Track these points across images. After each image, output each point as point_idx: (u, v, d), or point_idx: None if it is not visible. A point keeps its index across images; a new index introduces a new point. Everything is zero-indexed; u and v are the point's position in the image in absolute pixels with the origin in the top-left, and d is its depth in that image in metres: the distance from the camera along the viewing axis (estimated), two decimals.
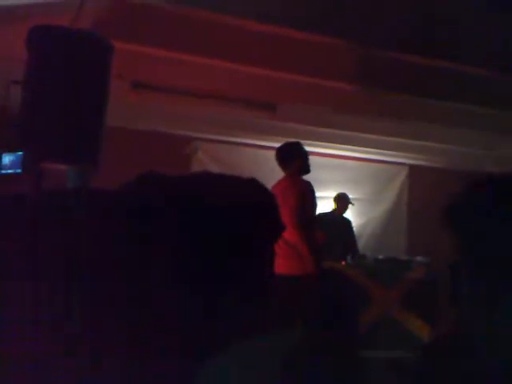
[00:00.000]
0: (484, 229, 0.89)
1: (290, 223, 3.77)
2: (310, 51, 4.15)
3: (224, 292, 0.73)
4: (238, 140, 6.97)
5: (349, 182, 7.13)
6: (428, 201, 5.43)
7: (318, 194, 4.25)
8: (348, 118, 5.72)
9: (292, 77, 4.58)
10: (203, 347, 0.68)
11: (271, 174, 6.69)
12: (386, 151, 7.21)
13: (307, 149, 6.86)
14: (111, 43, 2.55)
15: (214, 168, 6.68)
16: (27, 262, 0.68)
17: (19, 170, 2.02)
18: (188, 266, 0.72)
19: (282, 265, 3.76)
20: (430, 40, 3.91)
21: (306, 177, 4.23)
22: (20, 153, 2.04)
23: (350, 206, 6.53)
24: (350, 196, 6.61)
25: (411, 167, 7.86)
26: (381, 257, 5.50)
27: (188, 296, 0.71)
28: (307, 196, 4.01)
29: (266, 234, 0.85)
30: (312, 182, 4.19)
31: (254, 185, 0.88)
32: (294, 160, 4.09)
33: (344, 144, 6.82)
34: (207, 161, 6.92)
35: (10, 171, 2.06)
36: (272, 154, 7.18)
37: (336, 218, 6.34)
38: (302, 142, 6.70)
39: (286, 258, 3.80)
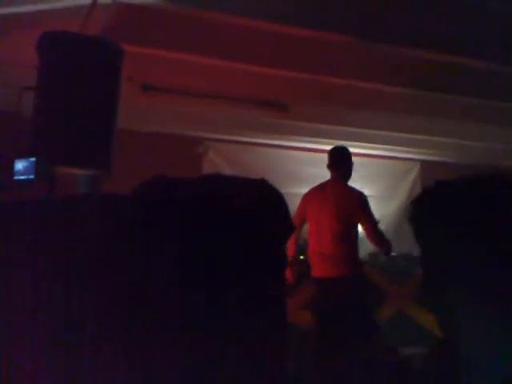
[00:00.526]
0: (432, 229, 0.95)
1: (330, 234, 3.91)
2: (320, 49, 4.14)
3: (232, 293, 0.74)
4: (250, 140, 6.97)
5: (361, 179, 7.07)
6: None
7: None
8: (359, 115, 5.70)
9: (303, 75, 4.57)
10: (207, 347, 0.69)
11: (284, 173, 6.74)
12: (397, 147, 7.18)
13: (318, 147, 6.90)
14: (121, 47, 2.58)
15: (226, 168, 6.68)
16: (38, 266, 0.70)
17: (32, 176, 2.04)
18: (197, 268, 0.73)
19: (323, 270, 3.95)
20: (442, 35, 3.89)
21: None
22: (33, 159, 2.06)
23: None
24: None
25: (423, 163, 7.82)
26: (394, 254, 5.47)
27: (200, 297, 0.72)
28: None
29: (274, 235, 0.86)
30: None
31: (263, 185, 0.88)
32: (346, 163, 4.17)
33: (355, 141, 6.80)
34: (219, 161, 6.92)
35: (22, 177, 2.08)
36: (284, 152, 7.23)
37: None
38: (313, 140, 6.74)
39: (326, 264, 3.94)
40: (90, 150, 2.19)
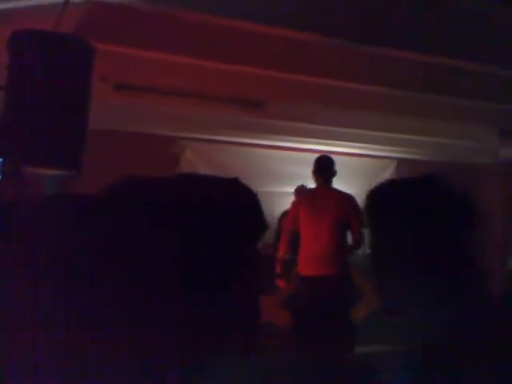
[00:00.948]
0: (379, 218, 1.18)
1: (324, 235, 4.13)
2: (296, 48, 4.14)
3: (208, 293, 0.74)
4: (227, 139, 6.95)
5: (337, 178, 7.13)
6: None
7: None
8: (335, 113, 5.72)
9: (279, 74, 4.58)
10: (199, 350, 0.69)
11: (261, 172, 6.72)
12: (373, 145, 7.23)
13: (295, 146, 6.90)
14: (93, 46, 2.54)
15: (204, 167, 6.66)
16: (34, 266, 0.68)
17: None
18: (170, 268, 0.72)
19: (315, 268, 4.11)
20: (424, 34, 3.92)
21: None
22: (0, 159, 2.02)
23: None
24: None
25: (399, 161, 7.88)
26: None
27: (175, 298, 0.71)
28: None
29: (246, 234, 0.85)
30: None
31: (235, 184, 0.88)
32: (331, 170, 4.46)
33: (331, 139, 6.83)
34: (196, 160, 6.89)
35: None
36: (262, 151, 7.22)
37: None
38: (290, 138, 6.75)
39: (318, 262, 4.13)
40: (59, 150, 2.15)
